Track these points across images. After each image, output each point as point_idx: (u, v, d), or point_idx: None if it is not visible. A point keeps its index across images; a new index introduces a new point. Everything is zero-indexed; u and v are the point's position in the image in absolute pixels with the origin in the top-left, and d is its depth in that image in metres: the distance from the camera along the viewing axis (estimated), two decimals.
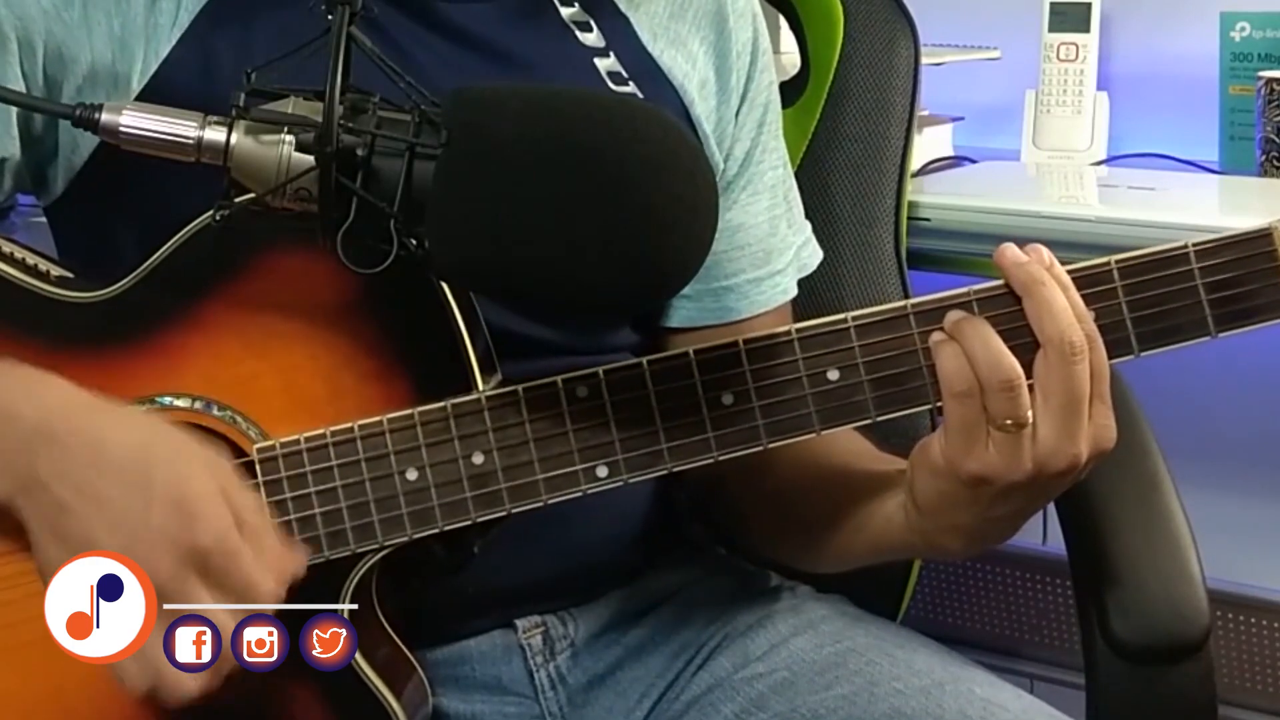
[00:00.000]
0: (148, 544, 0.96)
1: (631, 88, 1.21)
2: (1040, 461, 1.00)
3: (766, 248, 1.28)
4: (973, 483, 1.01)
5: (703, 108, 1.24)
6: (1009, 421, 0.99)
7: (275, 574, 0.99)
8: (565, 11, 1.22)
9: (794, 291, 1.29)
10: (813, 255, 1.33)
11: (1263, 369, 2.00)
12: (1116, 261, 1.01)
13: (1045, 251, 1.02)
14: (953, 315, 1.02)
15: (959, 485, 1.02)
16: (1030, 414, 0.99)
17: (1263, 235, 1.01)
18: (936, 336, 1.01)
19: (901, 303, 1.03)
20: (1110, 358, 1.02)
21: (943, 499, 1.04)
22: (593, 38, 1.22)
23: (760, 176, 1.28)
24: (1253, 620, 2.07)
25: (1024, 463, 1.00)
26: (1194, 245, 1.01)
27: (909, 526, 1.08)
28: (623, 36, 1.23)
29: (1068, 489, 1.04)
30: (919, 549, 1.16)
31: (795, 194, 1.33)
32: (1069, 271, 1.02)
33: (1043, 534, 2.13)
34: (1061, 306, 1.00)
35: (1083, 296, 1.01)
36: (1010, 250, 1.02)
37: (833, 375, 1.02)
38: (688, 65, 1.24)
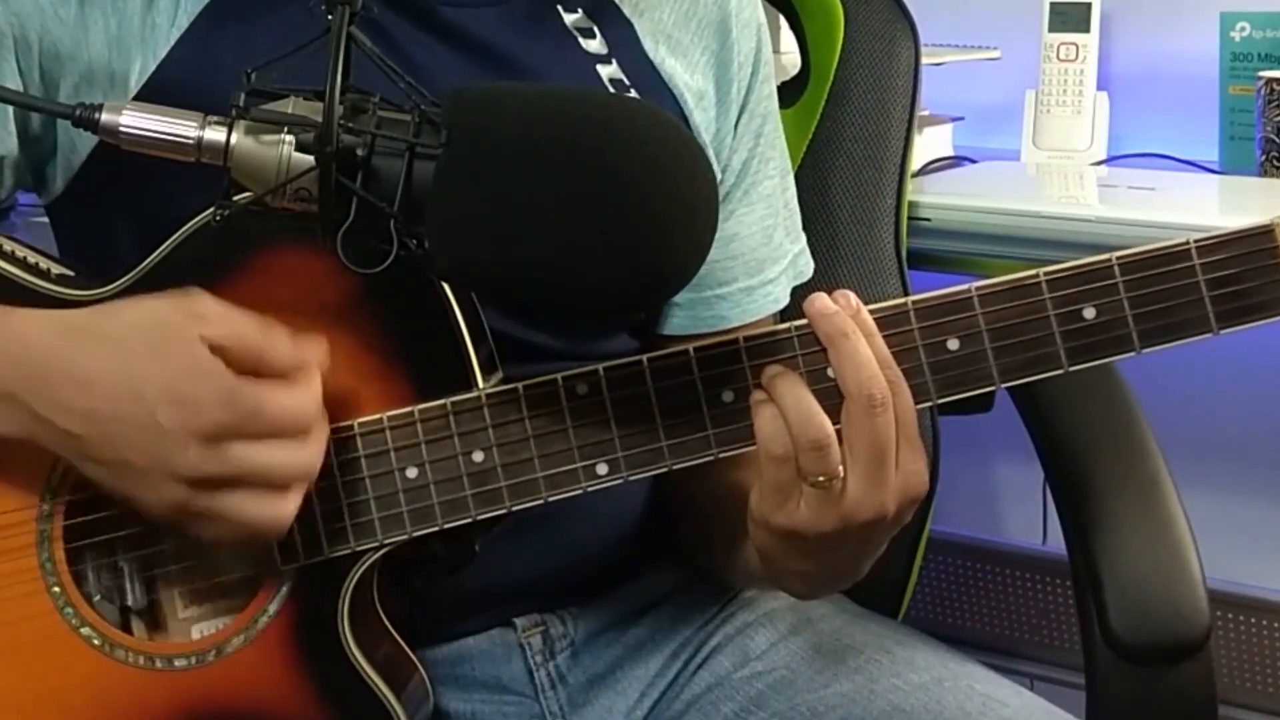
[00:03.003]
0: (171, 446, 0.97)
1: (633, 95, 1.20)
2: (847, 514, 1.00)
3: (760, 257, 1.27)
4: (784, 535, 1.02)
5: (701, 118, 1.24)
6: (820, 478, 1.00)
7: (302, 386, 1.00)
8: (568, 18, 1.21)
9: (786, 300, 1.29)
10: (808, 265, 1.34)
11: (1263, 369, 2.00)
12: (1118, 258, 1.01)
13: (852, 297, 1.02)
14: (770, 370, 1.02)
15: (774, 537, 1.03)
16: (841, 469, 1.00)
17: (1265, 232, 1.00)
18: (757, 395, 1.02)
19: (901, 300, 1.02)
20: (1112, 355, 1.02)
21: (769, 548, 1.05)
22: (595, 44, 1.21)
23: (756, 186, 1.28)
24: (1253, 620, 2.07)
25: (831, 516, 1.00)
26: (1196, 242, 1.01)
27: (762, 568, 1.10)
28: (626, 44, 1.22)
29: (905, 525, 1.05)
30: (775, 588, 1.20)
31: (794, 202, 1.33)
32: (1069, 269, 1.02)
33: (1043, 534, 2.14)
34: (864, 359, 1.00)
35: (1083, 292, 1.01)
36: (820, 301, 1.01)
37: (832, 373, 1.01)
38: (688, 74, 1.24)
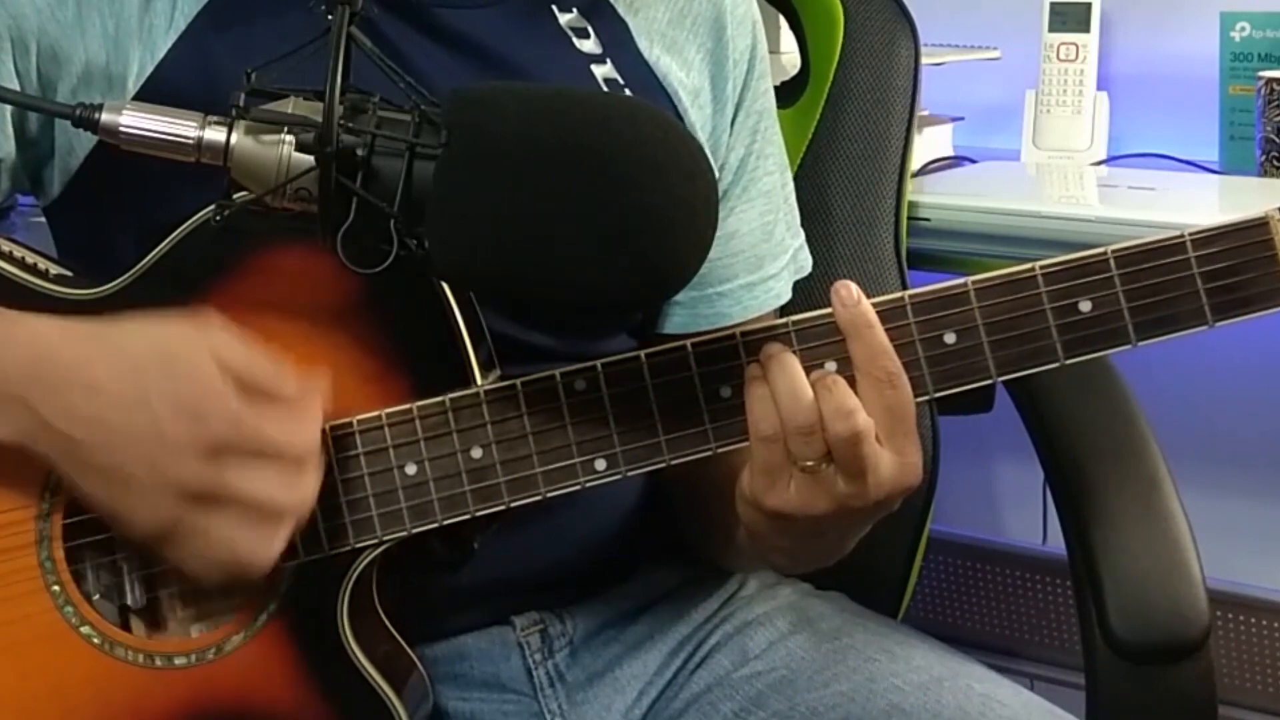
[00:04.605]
0: (171, 456, 0.97)
1: (628, 95, 1.20)
2: (837, 500, 1.01)
3: (760, 253, 1.27)
4: (773, 517, 1.03)
5: (697, 116, 1.24)
6: (809, 462, 1.00)
7: (305, 419, 1.00)
8: (563, 18, 1.21)
9: (788, 296, 1.29)
10: (807, 260, 1.34)
11: (1263, 369, 2.00)
12: (1113, 251, 1.01)
13: (854, 288, 1.02)
14: (769, 348, 1.02)
15: (763, 517, 1.04)
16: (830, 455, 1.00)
17: (1259, 224, 1.01)
18: (752, 372, 1.02)
19: (898, 294, 1.03)
20: (1108, 348, 1.02)
21: (757, 525, 1.06)
22: (590, 44, 1.21)
23: (755, 183, 1.28)
24: (1253, 620, 2.07)
25: (820, 502, 1.01)
26: (1190, 234, 1.01)
27: (748, 543, 1.10)
28: (620, 43, 1.22)
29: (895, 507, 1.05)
30: (759, 563, 1.22)
31: (793, 197, 1.33)
32: (1064, 263, 1.02)
33: (1043, 534, 2.14)
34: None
35: (1079, 286, 1.01)
36: (845, 288, 1.02)
37: (829, 366, 1.02)
38: (683, 72, 1.24)
